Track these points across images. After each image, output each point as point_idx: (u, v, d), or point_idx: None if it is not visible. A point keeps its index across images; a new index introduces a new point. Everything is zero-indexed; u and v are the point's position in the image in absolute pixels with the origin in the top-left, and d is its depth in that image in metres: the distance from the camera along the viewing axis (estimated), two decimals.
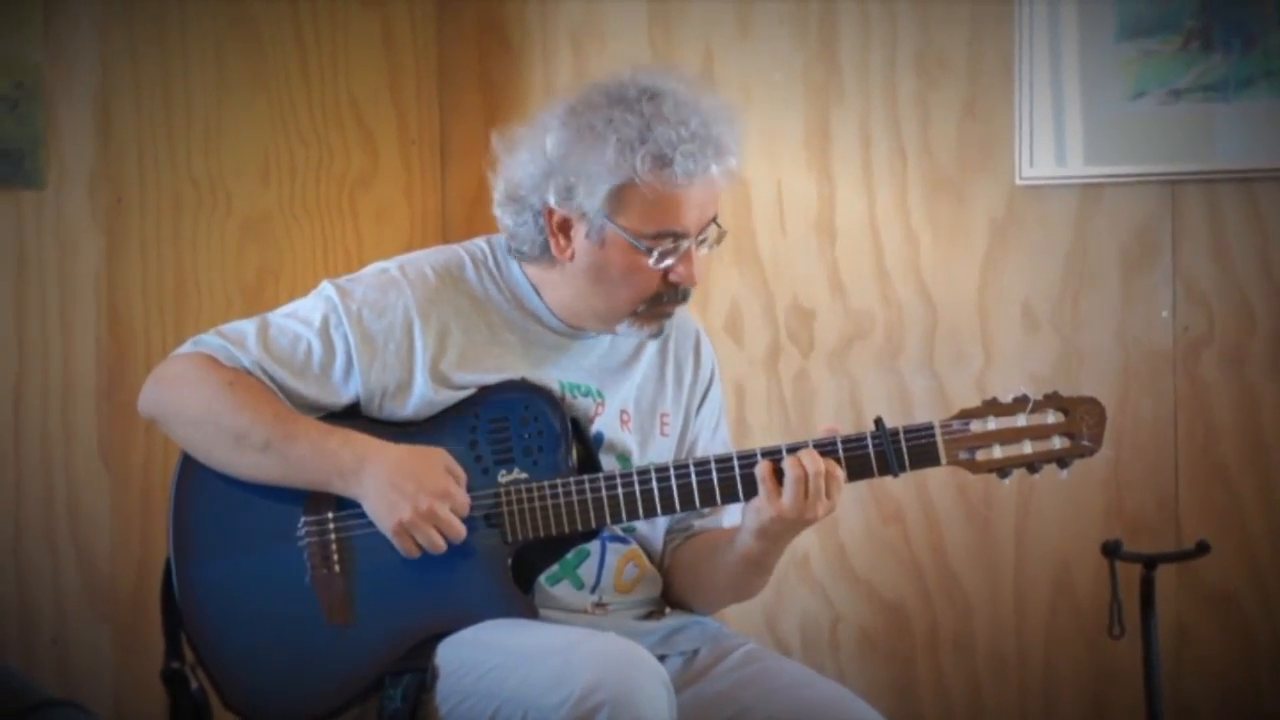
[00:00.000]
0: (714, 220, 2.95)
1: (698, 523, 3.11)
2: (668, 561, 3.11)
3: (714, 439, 3.15)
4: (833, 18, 4.03)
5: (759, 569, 3.00)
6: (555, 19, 4.33)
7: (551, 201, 2.93)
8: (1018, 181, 3.88)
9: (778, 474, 2.86)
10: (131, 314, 3.94)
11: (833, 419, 4.01)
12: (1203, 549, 3.12)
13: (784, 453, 2.86)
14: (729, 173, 2.91)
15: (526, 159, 2.95)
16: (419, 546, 2.88)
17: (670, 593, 3.11)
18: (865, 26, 4.01)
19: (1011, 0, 3.84)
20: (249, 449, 2.91)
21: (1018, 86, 3.85)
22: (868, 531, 4.04)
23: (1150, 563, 3.11)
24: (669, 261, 2.91)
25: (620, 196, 2.88)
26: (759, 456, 2.88)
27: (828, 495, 2.85)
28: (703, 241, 2.94)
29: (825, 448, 2.87)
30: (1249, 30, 3.67)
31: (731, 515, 3.10)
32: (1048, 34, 3.81)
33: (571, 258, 2.95)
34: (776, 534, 2.91)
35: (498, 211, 3.01)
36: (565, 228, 2.94)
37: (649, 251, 2.90)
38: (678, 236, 2.90)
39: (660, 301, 2.95)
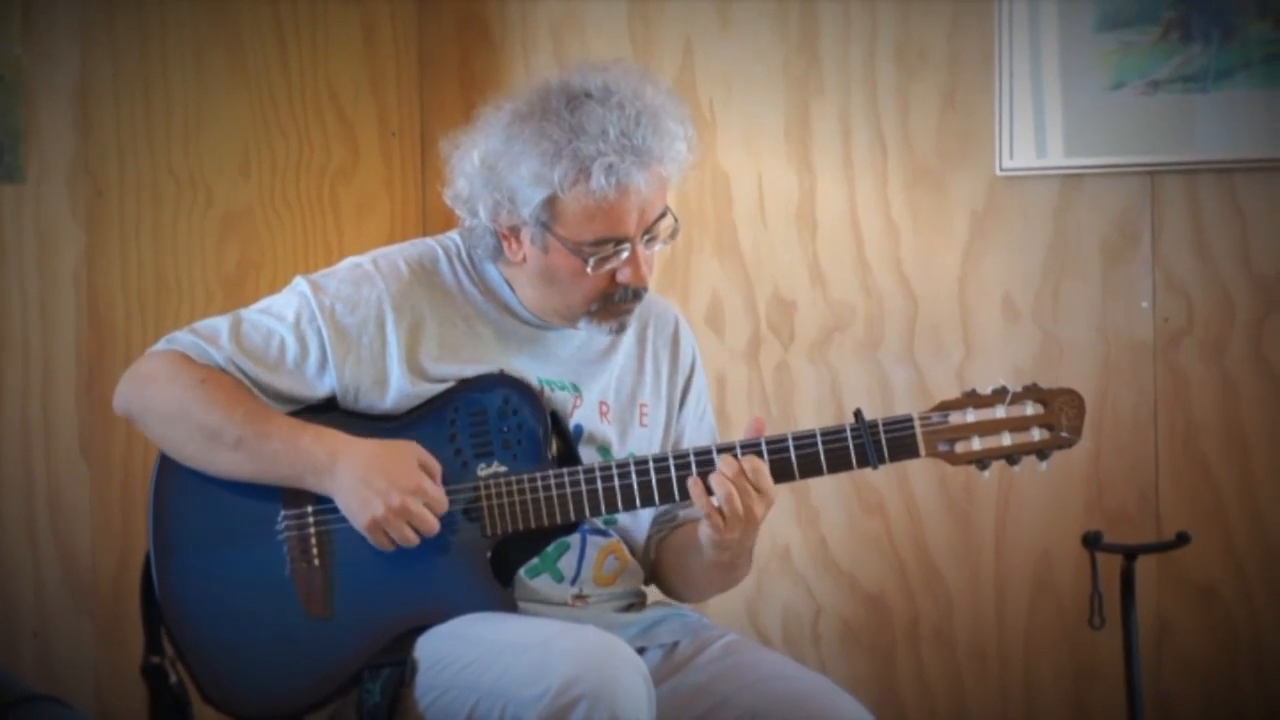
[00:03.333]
0: (662, 216, 2.93)
1: (682, 513, 3.11)
2: (654, 553, 3.11)
3: (700, 427, 3.15)
4: (813, 10, 4.03)
5: (731, 566, 2.99)
6: (536, 12, 4.32)
7: (492, 211, 2.93)
8: (998, 172, 3.88)
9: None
10: (112, 307, 3.92)
11: (813, 410, 4.01)
12: (1183, 540, 3.13)
13: (693, 467, 2.87)
14: (658, 178, 2.88)
15: (468, 169, 2.94)
16: (393, 542, 2.88)
17: (662, 583, 3.12)
18: (845, 19, 4.01)
19: None
20: (221, 447, 2.91)
21: (998, 78, 3.85)
22: (849, 524, 4.04)
23: (1130, 554, 3.12)
24: (609, 266, 2.90)
25: (552, 207, 2.88)
26: (739, 449, 2.87)
27: (759, 491, 2.85)
28: (651, 239, 2.93)
29: (748, 448, 2.87)
30: (1228, 21, 3.67)
31: None
32: (1027, 25, 3.82)
33: (523, 260, 2.96)
34: (730, 542, 2.90)
35: (457, 213, 3.01)
36: (514, 232, 2.94)
37: (587, 259, 2.89)
38: (618, 241, 2.89)
39: (614, 300, 2.95)
